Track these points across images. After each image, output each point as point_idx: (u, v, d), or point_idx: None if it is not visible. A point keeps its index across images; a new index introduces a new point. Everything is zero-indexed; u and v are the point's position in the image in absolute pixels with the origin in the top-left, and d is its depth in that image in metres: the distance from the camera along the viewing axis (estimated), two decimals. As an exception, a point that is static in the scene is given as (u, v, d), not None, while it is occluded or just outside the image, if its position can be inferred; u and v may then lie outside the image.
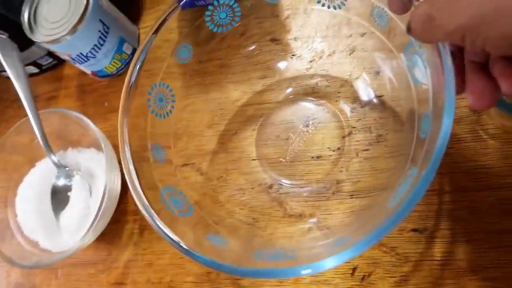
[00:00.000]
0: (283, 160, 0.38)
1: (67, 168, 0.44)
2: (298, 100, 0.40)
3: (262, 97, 0.41)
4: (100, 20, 0.41)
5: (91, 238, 0.39)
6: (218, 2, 0.34)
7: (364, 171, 0.35)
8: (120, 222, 0.43)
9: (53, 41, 0.40)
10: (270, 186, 0.38)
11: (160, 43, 0.35)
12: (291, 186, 0.38)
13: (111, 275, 0.42)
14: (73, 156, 0.45)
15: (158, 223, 0.29)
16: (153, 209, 0.30)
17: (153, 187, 0.33)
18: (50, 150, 0.43)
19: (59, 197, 0.43)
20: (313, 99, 0.39)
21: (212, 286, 0.38)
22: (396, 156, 0.34)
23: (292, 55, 0.41)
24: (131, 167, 0.31)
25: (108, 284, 0.42)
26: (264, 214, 0.37)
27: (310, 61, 0.40)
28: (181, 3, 0.33)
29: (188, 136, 0.40)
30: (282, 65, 0.41)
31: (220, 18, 0.35)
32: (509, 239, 0.31)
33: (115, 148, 0.44)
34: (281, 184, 0.38)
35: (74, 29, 0.39)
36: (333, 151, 0.37)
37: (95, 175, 0.43)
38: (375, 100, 0.37)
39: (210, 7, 0.34)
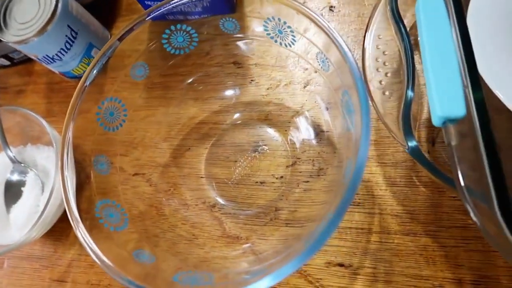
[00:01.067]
0: (228, 181, 0.40)
1: (22, 164, 0.45)
2: (251, 124, 0.41)
3: (217, 117, 0.42)
4: (68, 26, 0.42)
5: (36, 234, 0.40)
6: (175, 27, 0.35)
7: (301, 202, 0.37)
8: (68, 221, 0.44)
9: (20, 42, 0.41)
10: (213, 205, 0.40)
11: (122, 53, 0.36)
12: (233, 207, 0.39)
13: (53, 272, 0.43)
14: (31, 152, 0.46)
15: (85, 237, 0.30)
16: (84, 221, 0.31)
17: (90, 199, 0.34)
18: (6, 144, 0.44)
19: (12, 191, 0.44)
20: (266, 125, 0.41)
21: (147, 294, 0.39)
22: (329, 191, 0.36)
23: (251, 80, 0.42)
24: (67, 173, 0.32)
25: (50, 280, 0.43)
26: (204, 231, 0.39)
27: (267, 88, 0.41)
28: (150, 16, 0.34)
29: (143, 147, 0.41)
30: (241, 88, 0.42)
31: (177, 41, 0.37)
32: (425, 285, 0.32)
33: (77, 147, 0.45)
34: (224, 205, 0.39)
35: (41, 32, 0.40)
36: (277, 178, 0.39)
37: (50, 173, 0.44)
38: (313, 141, 0.38)
39: (167, 31, 0.36)
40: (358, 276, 0.34)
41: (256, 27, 0.38)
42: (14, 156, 0.44)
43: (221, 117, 0.42)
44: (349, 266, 0.35)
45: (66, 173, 0.31)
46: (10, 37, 0.41)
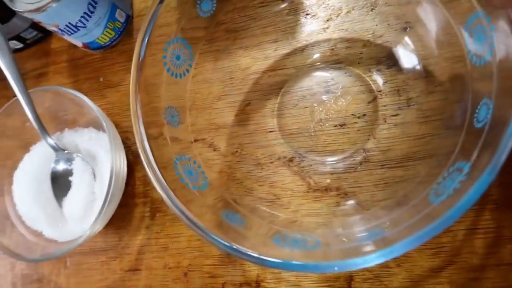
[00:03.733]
0: (303, 130, 0.35)
1: (66, 151, 0.40)
2: (315, 64, 0.36)
3: (275, 63, 0.37)
4: (89, -16, 0.36)
5: (100, 225, 0.36)
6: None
7: (394, 139, 0.33)
8: (128, 206, 0.40)
9: (37, 10, 0.35)
10: (291, 160, 0.35)
11: (165, 9, 0.31)
12: (314, 158, 0.35)
13: (123, 262, 0.40)
14: (70, 137, 0.41)
15: (179, 205, 0.26)
16: (169, 188, 0.27)
17: (167, 160, 0.30)
18: (45, 132, 0.39)
19: (60, 183, 0.40)
20: (333, 62, 0.36)
21: (234, 268, 0.36)
22: (431, 120, 0.31)
23: (306, 14, 0.37)
24: (147, 145, 0.27)
25: (122, 271, 0.39)
26: (286, 190, 0.35)
27: (327, 20, 0.36)
28: None
29: (196, 110, 0.37)
30: (295, 26, 0.37)
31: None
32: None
33: (116, 126, 0.40)
34: (303, 157, 0.35)
35: None
36: (358, 118, 0.34)
37: (96, 156, 0.40)
38: (393, 69, 0.34)
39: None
40: (481, 206, 0.31)
41: None
42: (56, 144, 0.40)
43: (279, 62, 0.37)
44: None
45: (145, 144, 0.27)
46: (24, 5, 0.35)
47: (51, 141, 0.39)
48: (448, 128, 0.30)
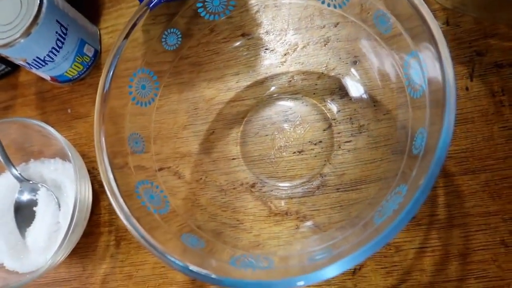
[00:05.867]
0: (264, 157, 0.37)
1: (30, 182, 0.40)
2: (274, 95, 0.39)
3: (237, 95, 0.39)
4: (57, 21, 0.38)
5: (63, 254, 0.36)
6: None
7: (348, 163, 0.35)
8: (93, 235, 0.40)
9: (5, 45, 0.36)
10: (253, 185, 0.37)
11: (131, 45, 0.32)
12: (274, 183, 0.36)
13: (87, 293, 0.39)
14: (36, 168, 0.42)
15: (140, 230, 0.27)
16: (133, 216, 0.28)
17: (131, 189, 0.31)
18: (10, 163, 0.39)
19: (23, 213, 0.40)
20: (290, 93, 0.38)
21: (198, 294, 0.36)
22: (380, 146, 0.34)
23: (265, 49, 0.39)
24: (110, 175, 0.28)
25: (85, 302, 0.39)
26: (248, 214, 0.36)
27: (284, 55, 0.39)
28: (150, 5, 0.31)
29: (161, 139, 0.38)
30: (255, 60, 0.40)
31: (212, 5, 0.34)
32: (495, 221, 0.31)
33: (83, 156, 0.41)
34: (264, 182, 0.37)
35: (28, 31, 0.36)
36: (315, 144, 0.36)
37: (62, 186, 0.40)
38: (345, 99, 0.37)
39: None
40: (423, 227, 0.33)
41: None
42: (20, 174, 0.40)
43: (240, 93, 0.39)
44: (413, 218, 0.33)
45: (109, 175, 0.28)
46: None
47: (15, 171, 0.40)
48: (394, 153, 0.33)
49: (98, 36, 0.45)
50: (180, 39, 0.35)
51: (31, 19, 0.36)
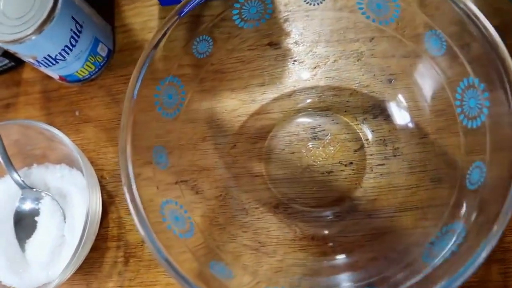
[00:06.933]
0: (289, 176, 0.35)
1: (34, 189, 0.37)
2: (303, 109, 0.36)
3: (262, 107, 0.37)
4: (72, 17, 0.35)
5: (71, 271, 0.33)
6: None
7: (381, 188, 0.33)
8: (100, 250, 0.37)
9: (14, 41, 0.33)
10: (276, 206, 0.35)
11: (160, 53, 0.30)
12: (300, 205, 0.34)
13: (91, 312, 0.36)
14: (39, 174, 0.38)
15: (164, 253, 0.25)
16: (154, 232, 0.25)
17: (148, 201, 0.28)
18: (11, 166, 0.36)
19: (24, 224, 0.37)
20: (320, 109, 0.36)
21: (214, 321, 0.34)
22: (416, 172, 0.32)
23: (294, 60, 0.37)
24: (133, 184, 0.26)
25: (88, 322, 0.36)
26: (271, 237, 0.34)
27: (314, 68, 0.37)
28: (181, 14, 0.28)
29: (180, 150, 0.35)
30: (283, 71, 0.37)
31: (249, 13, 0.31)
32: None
33: (91, 163, 0.38)
34: (289, 203, 0.34)
35: (41, 27, 0.33)
36: (345, 165, 0.34)
37: (68, 196, 0.37)
38: (379, 119, 0.35)
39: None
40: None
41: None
42: (23, 181, 0.37)
43: (266, 106, 0.37)
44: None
45: (129, 167, 0.25)
46: (1, 35, 0.33)
47: (17, 177, 0.36)
48: (433, 181, 0.31)
49: (112, 35, 0.42)
50: (211, 46, 0.32)
51: (45, 14, 0.33)
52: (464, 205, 0.24)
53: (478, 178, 0.24)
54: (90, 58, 0.39)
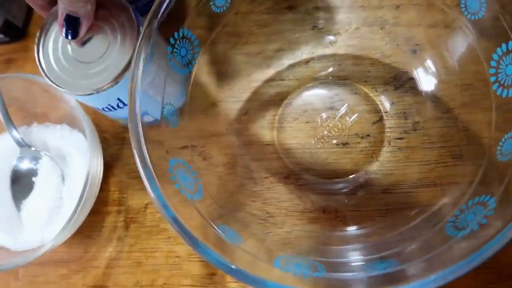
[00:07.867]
0: (303, 146, 0.33)
1: (33, 148, 0.35)
2: (320, 78, 0.35)
3: (277, 74, 0.35)
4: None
5: (68, 235, 0.32)
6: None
7: (398, 163, 0.31)
8: (100, 214, 0.36)
9: (93, 92, 0.28)
10: (287, 176, 0.33)
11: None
12: (312, 176, 0.33)
13: (88, 276, 0.35)
14: (39, 133, 0.37)
15: (171, 210, 0.23)
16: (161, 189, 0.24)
17: (161, 161, 0.26)
18: (11, 123, 0.34)
19: (21, 183, 0.35)
20: (338, 78, 0.34)
21: (216, 290, 0.33)
22: (436, 148, 0.30)
23: (314, 26, 0.35)
24: (143, 141, 0.24)
25: (85, 287, 0.35)
26: (281, 208, 0.32)
27: (335, 35, 0.35)
28: None
29: (188, 114, 0.34)
30: (301, 37, 0.35)
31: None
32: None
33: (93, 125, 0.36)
34: (300, 174, 0.33)
35: (122, 74, 0.28)
36: (362, 138, 0.33)
37: (67, 157, 0.36)
38: (400, 91, 0.33)
39: None
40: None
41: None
42: (22, 139, 0.35)
43: (281, 72, 0.35)
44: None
45: (141, 140, 0.23)
46: (77, 88, 0.28)
47: (16, 134, 0.35)
48: (454, 157, 0.30)
49: None
50: (228, 1, 0.30)
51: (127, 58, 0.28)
52: (495, 177, 0.23)
53: (511, 149, 0.22)
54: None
